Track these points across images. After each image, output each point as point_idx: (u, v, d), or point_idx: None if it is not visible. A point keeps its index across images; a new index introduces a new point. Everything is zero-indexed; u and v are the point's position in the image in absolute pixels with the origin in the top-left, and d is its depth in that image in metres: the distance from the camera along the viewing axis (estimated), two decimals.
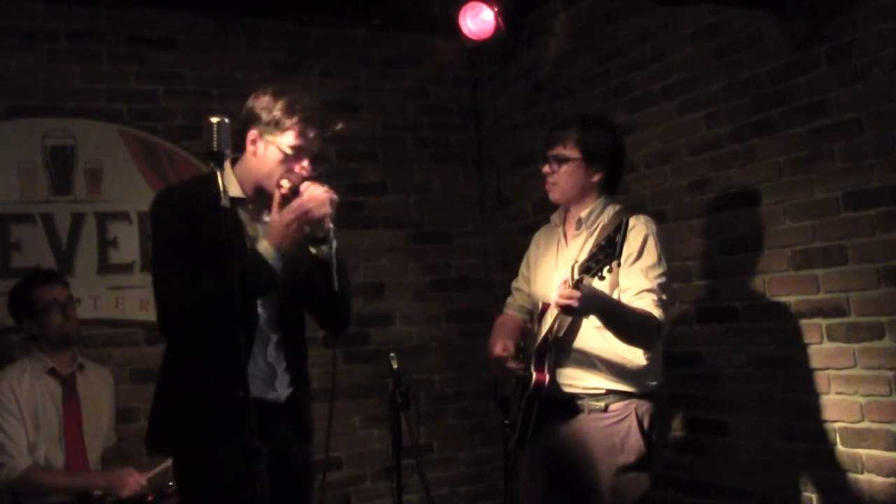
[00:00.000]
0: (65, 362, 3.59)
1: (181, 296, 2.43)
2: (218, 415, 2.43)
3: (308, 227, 2.45)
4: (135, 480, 3.46)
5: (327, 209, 2.45)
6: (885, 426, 3.06)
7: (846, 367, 3.18)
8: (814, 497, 3.29)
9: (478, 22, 4.03)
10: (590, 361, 2.86)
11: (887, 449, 3.06)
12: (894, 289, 3.02)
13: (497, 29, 3.97)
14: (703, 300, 3.74)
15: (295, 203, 2.46)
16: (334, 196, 2.49)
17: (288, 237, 2.43)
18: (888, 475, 3.06)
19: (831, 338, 3.23)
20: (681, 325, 3.82)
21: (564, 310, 2.65)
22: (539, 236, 3.23)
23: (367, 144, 4.81)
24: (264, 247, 2.43)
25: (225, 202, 2.18)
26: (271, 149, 2.54)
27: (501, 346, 2.99)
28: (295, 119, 2.52)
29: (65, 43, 4.18)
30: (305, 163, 2.56)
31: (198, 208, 2.46)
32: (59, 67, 4.16)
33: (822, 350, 3.27)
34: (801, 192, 3.32)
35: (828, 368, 3.25)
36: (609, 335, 2.80)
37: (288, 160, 2.53)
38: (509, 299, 3.31)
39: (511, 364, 2.95)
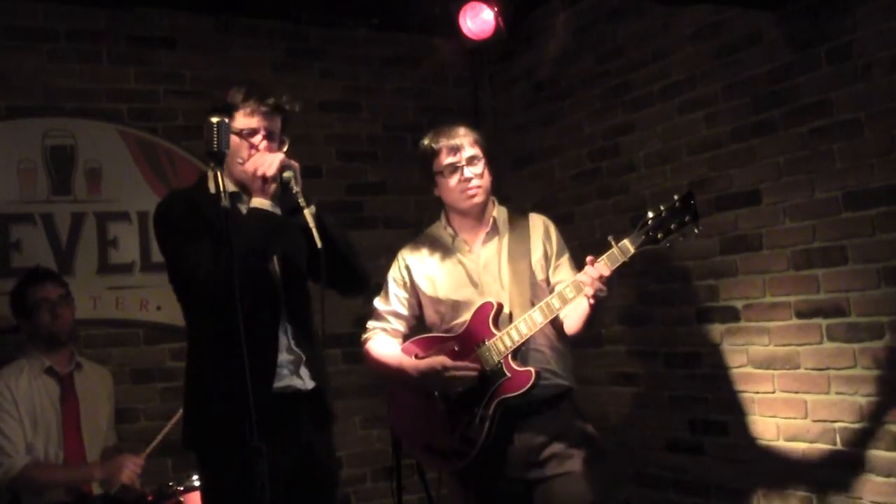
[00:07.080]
0: (62, 361, 3.59)
1: (209, 262, 2.44)
2: (242, 410, 2.35)
3: (268, 183, 2.52)
4: (133, 463, 3.48)
5: (275, 165, 2.51)
6: (885, 426, 3.07)
7: (846, 367, 3.18)
8: (814, 497, 3.29)
9: (478, 22, 4.02)
10: (545, 359, 2.88)
11: (887, 449, 3.06)
12: (894, 289, 3.02)
13: (497, 29, 3.97)
14: (703, 300, 3.74)
15: (247, 163, 2.55)
16: (283, 156, 2.56)
17: (266, 187, 2.51)
18: (888, 475, 3.06)
19: (831, 338, 3.23)
20: (681, 325, 3.82)
21: (597, 300, 2.65)
22: (416, 256, 3.03)
23: (367, 144, 4.81)
24: (257, 201, 2.52)
25: (225, 202, 2.23)
26: (232, 136, 2.54)
27: (449, 355, 2.85)
28: (239, 99, 2.59)
29: (65, 43, 4.18)
30: (257, 139, 2.59)
31: (202, 211, 2.52)
32: (59, 67, 4.16)
33: (822, 350, 3.27)
34: (801, 192, 3.32)
35: (828, 368, 3.25)
36: (549, 332, 2.87)
37: (242, 140, 2.57)
38: (383, 325, 3.04)
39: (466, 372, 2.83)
